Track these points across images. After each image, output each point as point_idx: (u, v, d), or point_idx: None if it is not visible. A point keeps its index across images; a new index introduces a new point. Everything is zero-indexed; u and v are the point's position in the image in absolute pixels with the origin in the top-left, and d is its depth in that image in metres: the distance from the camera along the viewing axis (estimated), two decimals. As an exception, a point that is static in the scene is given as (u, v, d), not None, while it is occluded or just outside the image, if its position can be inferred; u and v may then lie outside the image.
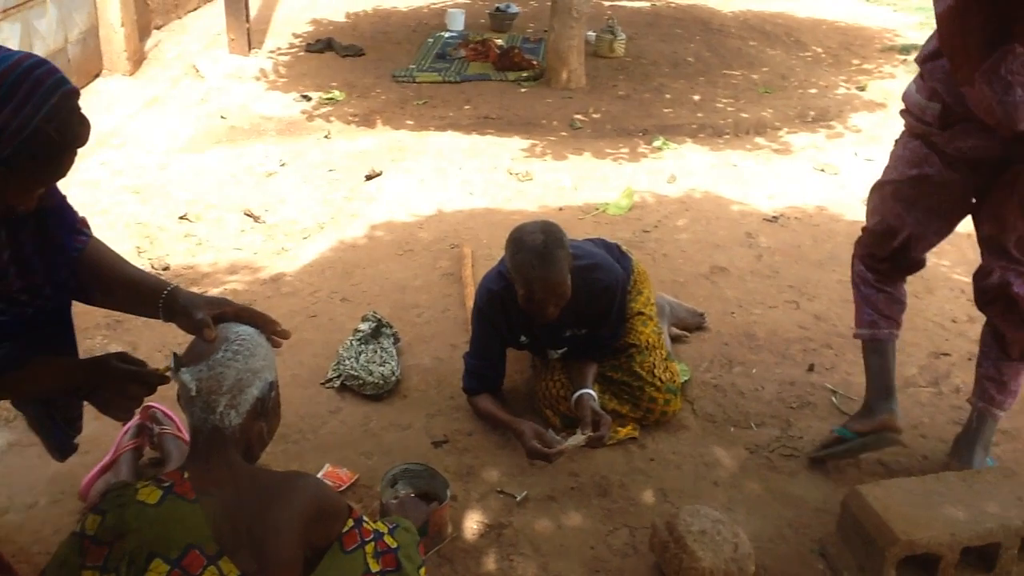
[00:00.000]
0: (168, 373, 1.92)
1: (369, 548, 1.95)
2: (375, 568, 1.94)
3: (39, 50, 6.16)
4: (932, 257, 4.40)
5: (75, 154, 1.69)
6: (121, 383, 1.90)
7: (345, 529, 1.93)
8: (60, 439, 2.24)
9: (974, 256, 4.44)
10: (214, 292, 4.05)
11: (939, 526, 2.41)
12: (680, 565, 2.46)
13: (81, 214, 2.11)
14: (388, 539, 2.01)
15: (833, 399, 3.35)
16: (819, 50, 8.66)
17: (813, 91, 7.37)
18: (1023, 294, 2.71)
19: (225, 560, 1.71)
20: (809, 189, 5.35)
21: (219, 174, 5.39)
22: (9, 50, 1.61)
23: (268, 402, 1.92)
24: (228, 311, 1.98)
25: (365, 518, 2.02)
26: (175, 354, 1.90)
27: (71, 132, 1.64)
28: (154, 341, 3.55)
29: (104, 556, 1.71)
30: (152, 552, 1.69)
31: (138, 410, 2.86)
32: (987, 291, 2.81)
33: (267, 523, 1.77)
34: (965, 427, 2.95)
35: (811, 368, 3.53)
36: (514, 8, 9.30)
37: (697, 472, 2.98)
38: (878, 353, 2.97)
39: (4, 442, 2.99)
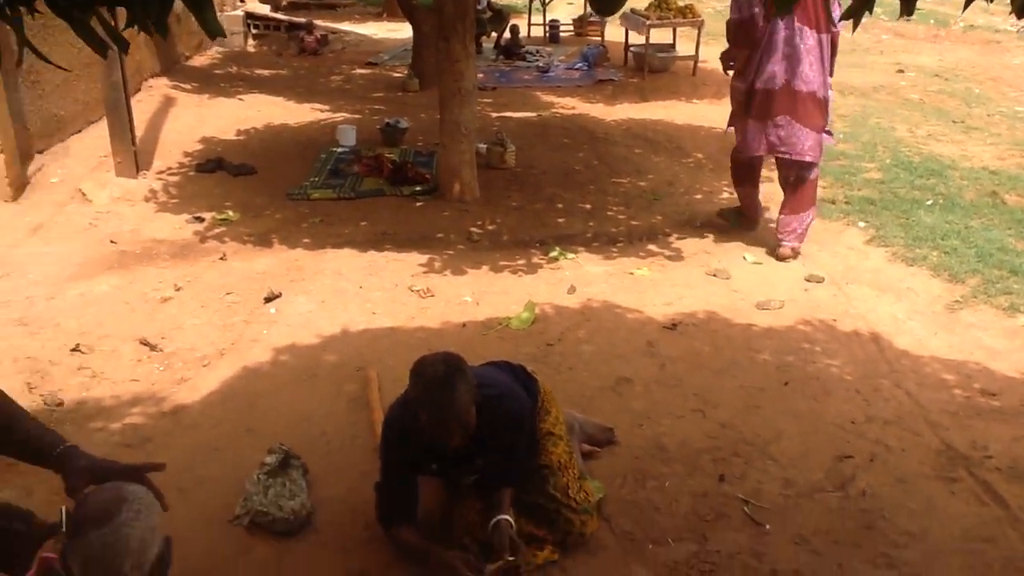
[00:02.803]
0: (57, 530, 1.87)
1: None
2: None
3: (-86, 179, 5.93)
4: (824, 358, 4.62)
5: None
6: (6, 544, 1.81)
7: None
8: None
9: (864, 356, 4.67)
10: (112, 427, 3.90)
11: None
12: None
13: None
14: None
15: (746, 510, 3.40)
16: (700, 156, 9.03)
17: (699, 196, 7.66)
18: None
19: None
20: (703, 295, 5.52)
21: (112, 302, 5.22)
22: None
23: (167, 558, 1.90)
24: (112, 476, 2.00)
25: None
26: (63, 509, 1.87)
27: None
28: (50, 485, 3.36)
29: None
30: None
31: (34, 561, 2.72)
32: None
33: None
34: None
35: (722, 478, 3.59)
36: (404, 123, 9.44)
37: (619, 594, 2.98)
38: None
39: None
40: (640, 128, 10.12)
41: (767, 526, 3.31)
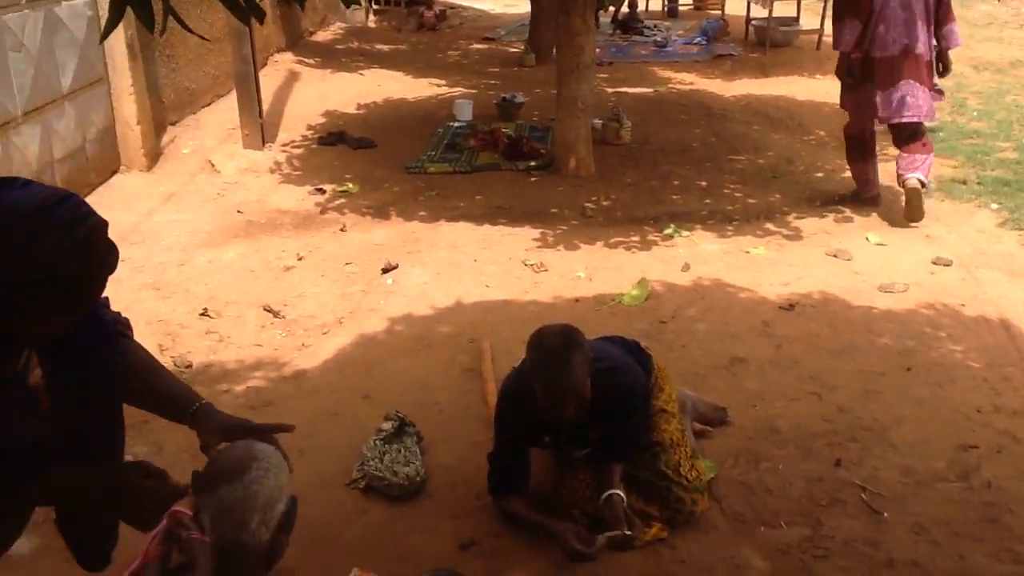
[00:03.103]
0: (189, 490, 1.94)
1: None
2: None
3: (58, 150, 6.29)
4: (949, 343, 4.45)
5: (106, 280, 1.73)
6: (140, 499, 1.90)
7: None
8: (92, 550, 2.22)
9: (993, 343, 4.47)
10: (237, 389, 4.06)
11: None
12: (718, 674, 2.42)
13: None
14: None
15: (863, 496, 3.32)
16: (822, 133, 8.79)
17: (820, 175, 7.46)
18: None
19: None
20: (822, 275, 5.38)
21: (238, 269, 5.44)
22: (36, 186, 1.65)
23: (292, 516, 1.96)
24: (244, 435, 2.08)
25: None
26: (195, 471, 1.94)
27: (99, 263, 1.68)
28: (180, 442, 3.55)
29: None
30: None
31: (165, 515, 2.87)
32: None
33: None
34: None
35: (838, 463, 3.51)
36: (520, 98, 9.48)
37: (728, 575, 2.95)
38: None
39: (34, 546, 2.97)
40: (760, 104, 9.89)
41: (884, 514, 3.22)
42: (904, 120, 6.03)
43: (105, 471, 1.92)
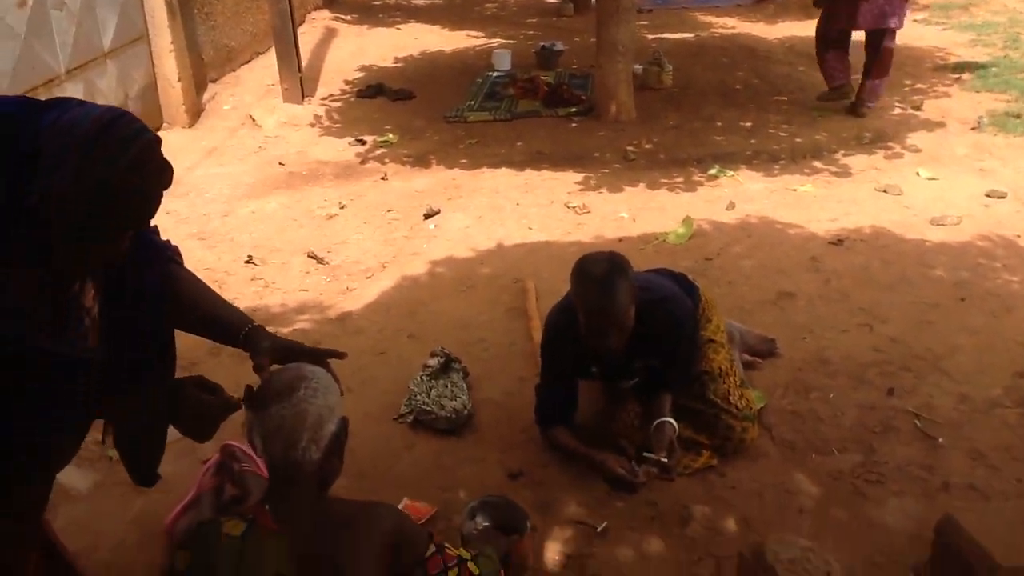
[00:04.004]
0: (243, 404, 1.95)
1: (452, 573, 1.96)
2: None
3: (103, 106, 6.33)
4: (1005, 274, 4.34)
5: (161, 197, 1.72)
6: (196, 410, 1.91)
7: (428, 554, 1.95)
8: (145, 466, 2.23)
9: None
10: (284, 332, 4.08)
11: (1043, 550, 2.32)
12: (771, 595, 2.39)
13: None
14: (471, 566, 2.01)
15: (917, 423, 3.26)
16: (871, 72, 8.56)
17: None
18: None
19: None
20: (872, 211, 5.27)
21: (281, 219, 5.47)
22: (89, 105, 1.64)
23: (343, 438, 1.96)
24: (296, 357, 2.08)
25: (447, 544, 2.01)
26: (248, 387, 1.94)
27: (154, 179, 1.67)
28: (228, 382, 3.57)
29: None
30: None
31: (218, 449, 2.91)
32: None
33: (348, 552, 1.80)
34: None
35: (891, 392, 3.45)
36: (559, 45, 9.37)
37: (780, 500, 2.92)
38: None
39: (90, 482, 3.03)
40: (804, 45, 9.64)
41: (940, 440, 3.16)
42: (884, 27, 6.77)
43: (164, 386, 1.93)
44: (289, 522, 1.81)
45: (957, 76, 8.13)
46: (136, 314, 1.94)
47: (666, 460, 2.95)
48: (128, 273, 1.90)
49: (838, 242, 4.83)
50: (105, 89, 6.43)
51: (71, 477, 3.08)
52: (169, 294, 2.06)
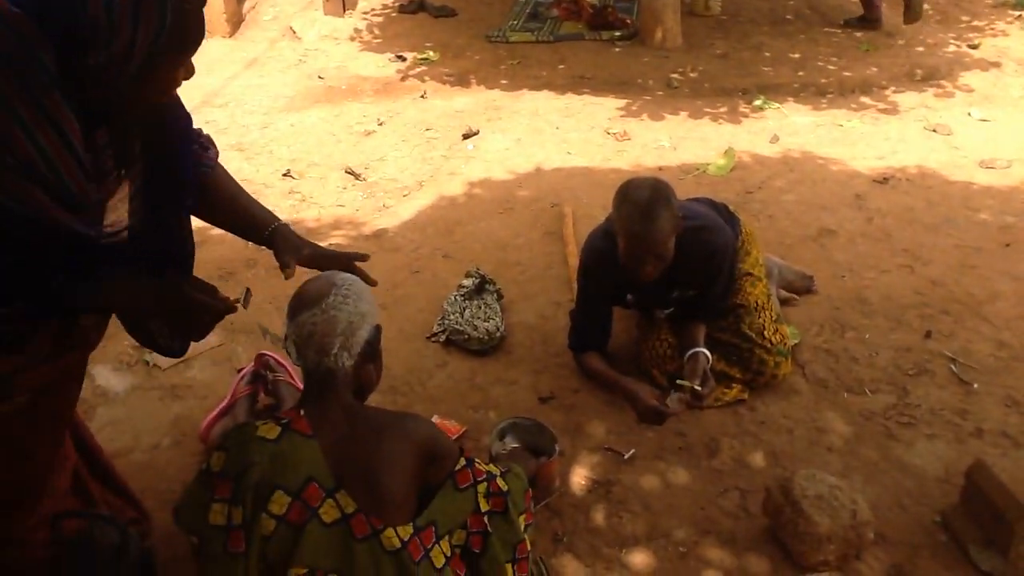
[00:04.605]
0: (238, 304, 1.95)
1: (481, 488, 1.99)
2: (484, 507, 1.98)
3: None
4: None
5: (203, 21, 1.67)
6: (192, 309, 1.91)
7: (457, 467, 1.97)
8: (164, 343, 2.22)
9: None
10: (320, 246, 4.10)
11: (1074, 498, 2.31)
12: (796, 529, 2.41)
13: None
14: (500, 482, 2.04)
15: (953, 367, 3.22)
16: (926, 7, 8.28)
17: (920, 49, 7.07)
18: None
19: (342, 493, 1.78)
20: (920, 150, 5.15)
21: (319, 133, 5.44)
22: None
23: (376, 345, 1.97)
24: (320, 259, 2.12)
25: (476, 459, 2.04)
26: (248, 289, 1.96)
27: (191, 17, 1.62)
28: (264, 293, 3.61)
29: (231, 489, 1.79)
30: (275, 484, 1.77)
31: (253, 358, 2.94)
32: None
33: (381, 459, 1.83)
34: None
35: (928, 335, 3.41)
36: (607, -34, 9.13)
37: (810, 437, 2.92)
38: None
39: (128, 385, 3.09)
40: (860, -25, 9.34)
41: (975, 385, 3.13)
42: None
43: (162, 283, 1.92)
44: (323, 427, 1.84)
45: (1017, 14, 7.85)
46: (166, 200, 1.92)
47: (700, 388, 2.91)
48: (164, 157, 1.88)
49: (883, 180, 4.73)
50: (146, -7, 6.37)
51: (108, 379, 3.14)
52: (203, 186, 2.05)
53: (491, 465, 2.11)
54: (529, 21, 7.77)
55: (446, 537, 1.91)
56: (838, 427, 2.96)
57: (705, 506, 2.64)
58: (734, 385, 3.10)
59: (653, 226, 2.72)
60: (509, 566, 2.00)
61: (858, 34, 7.29)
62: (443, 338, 3.38)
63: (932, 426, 2.95)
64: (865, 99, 6.02)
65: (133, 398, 3.04)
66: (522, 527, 2.05)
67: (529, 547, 2.06)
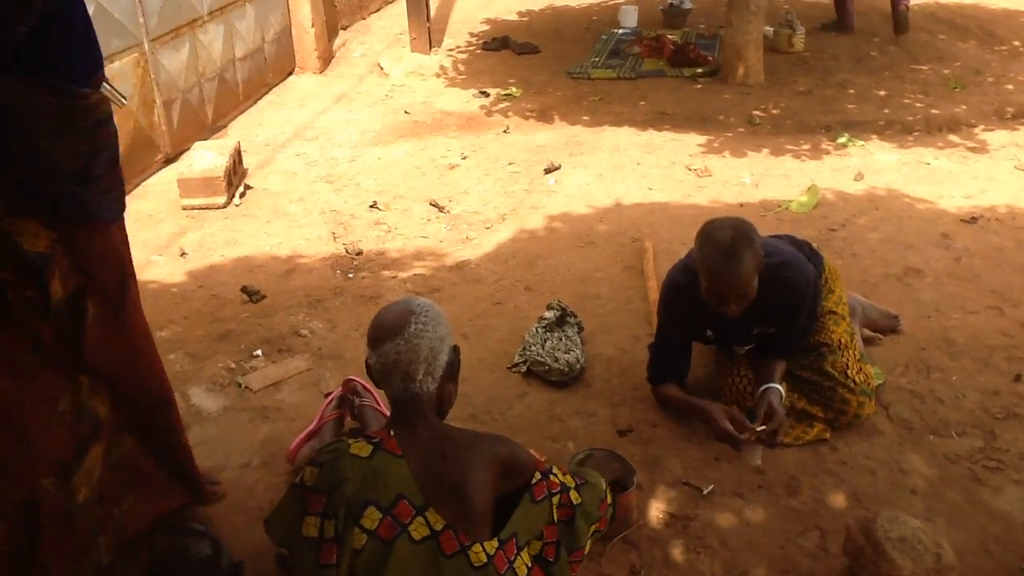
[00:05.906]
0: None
1: (555, 500, 2.07)
2: (557, 517, 2.07)
3: (239, 49, 6.57)
4: None
5: None
6: None
7: (534, 480, 2.04)
8: None
9: None
10: (403, 276, 4.21)
11: None
12: (877, 572, 2.38)
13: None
14: (573, 495, 2.12)
15: (1044, 411, 3.16)
16: (1016, 43, 8.16)
17: (1010, 87, 6.94)
18: None
19: (431, 511, 1.87)
20: (1010, 189, 5.05)
21: (405, 166, 5.59)
22: None
23: (456, 365, 2.07)
24: None
25: (554, 469, 2.11)
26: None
27: None
28: (351, 320, 3.73)
29: (323, 503, 1.87)
30: (367, 500, 1.85)
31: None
32: None
33: (467, 477, 1.91)
34: None
35: (1018, 378, 3.34)
36: (688, 3, 9.19)
37: (893, 478, 2.88)
38: None
39: (220, 405, 3.22)
40: (945, 13, 9.25)
41: (1067, 431, 3.06)
42: None
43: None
44: (411, 448, 1.92)
45: (1116, 51, 7.68)
46: None
47: (763, 428, 2.89)
48: None
49: (971, 220, 4.65)
50: (243, 31, 6.64)
51: (202, 399, 3.27)
52: None
53: (567, 476, 2.17)
54: (611, 58, 7.86)
55: (525, 548, 2.00)
56: (922, 469, 2.91)
57: (784, 545, 2.62)
58: (816, 424, 3.07)
59: (737, 266, 2.73)
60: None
61: (945, 71, 7.19)
62: (524, 369, 3.44)
63: (1021, 471, 2.88)
64: (953, 137, 5.93)
65: (225, 418, 3.17)
66: (587, 534, 2.13)
67: (586, 551, 2.15)
